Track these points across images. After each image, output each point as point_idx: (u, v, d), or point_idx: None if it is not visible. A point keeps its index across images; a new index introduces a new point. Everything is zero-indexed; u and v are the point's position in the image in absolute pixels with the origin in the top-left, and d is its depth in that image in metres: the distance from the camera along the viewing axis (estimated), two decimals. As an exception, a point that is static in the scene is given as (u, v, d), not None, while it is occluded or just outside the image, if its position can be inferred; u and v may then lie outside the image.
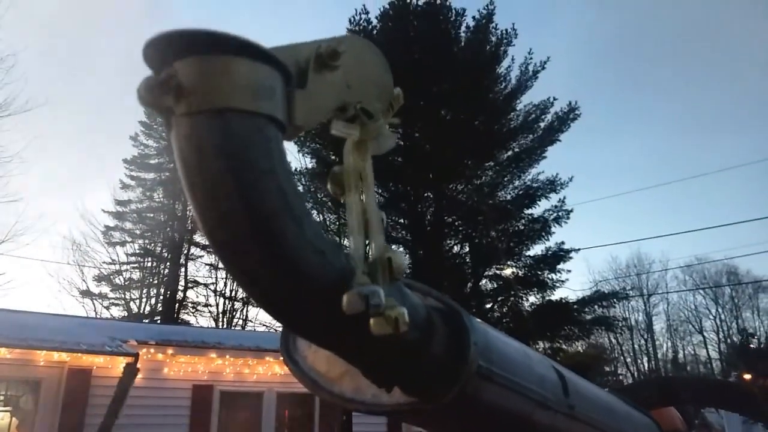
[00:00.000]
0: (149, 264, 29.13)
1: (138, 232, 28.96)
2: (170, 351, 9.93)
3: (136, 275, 28.52)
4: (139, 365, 9.12)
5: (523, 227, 20.29)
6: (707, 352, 43.93)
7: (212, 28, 0.56)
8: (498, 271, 20.15)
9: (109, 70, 47.37)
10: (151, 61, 0.57)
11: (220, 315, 28.80)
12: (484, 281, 20.27)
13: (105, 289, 27.46)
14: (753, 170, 62.44)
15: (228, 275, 28.89)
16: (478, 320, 0.75)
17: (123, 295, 27.90)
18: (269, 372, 10.73)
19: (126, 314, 27.05)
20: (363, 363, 0.67)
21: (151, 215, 29.37)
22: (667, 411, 2.03)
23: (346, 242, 0.68)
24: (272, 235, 0.57)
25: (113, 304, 27.64)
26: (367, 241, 0.66)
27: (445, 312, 0.73)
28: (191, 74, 0.55)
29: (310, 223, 0.61)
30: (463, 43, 20.74)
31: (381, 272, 0.65)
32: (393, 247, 0.66)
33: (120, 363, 9.09)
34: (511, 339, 0.86)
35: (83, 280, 26.81)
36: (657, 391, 2.06)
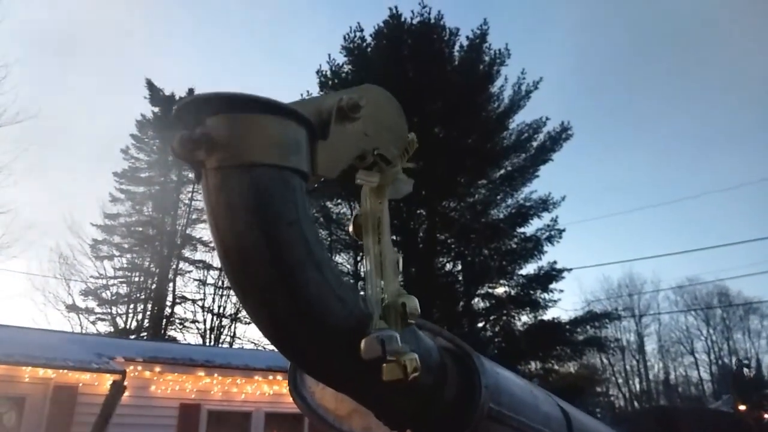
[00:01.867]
0: (137, 279, 28.85)
1: (126, 246, 28.70)
2: (158, 369, 9.82)
3: (124, 290, 28.23)
4: (126, 383, 9.01)
5: (515, 246, 20.34)
6: (698, 373, 44.05)
7: (242, 91, 0.60)
8: (490, 290, 20.14)
9: (101, 83, 47.39)
10: (183, 120, 0.61)
11: (208, 331, 28.53)
12: (476, 300, 20.25)
13: (91, 303, 27.14)
14: (745, 192, 63.25)
15: (216, 292, 28.69)
16: (487, 360, 0.76)
17: (109, 310, 27.56)
18: (258, 391, 10.62)
19: (112, 329, 26.70)
20: (377, 406, 0.68)
21: (140, 229, 29.14)
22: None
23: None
24: (297, 284, 0.59)
25: (99, 319, 27.30)
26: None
27: (456, 353, 0.74)
28: (222, 131, 0.58)
29: (330, 270, 0.63)
30: (456, 62, 20.96)
31: (394, 317, 0.66)
32: None
33: (107, 380, 8.97)
34: (517, 377, 0.87)
35: (69, 294, 26.49)
36: (655, 422, 2.06)
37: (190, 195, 30.28)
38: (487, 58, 20.94)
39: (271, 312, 0.62)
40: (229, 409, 10.44)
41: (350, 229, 0.75)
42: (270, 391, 10.60)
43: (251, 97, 0.59)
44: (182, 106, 0.61)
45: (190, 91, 31.31)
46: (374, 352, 0.60)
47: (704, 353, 44.17)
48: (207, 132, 0.58)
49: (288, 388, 0.83)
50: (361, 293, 0.67)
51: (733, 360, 39.41)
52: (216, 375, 10.28)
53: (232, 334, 28.79)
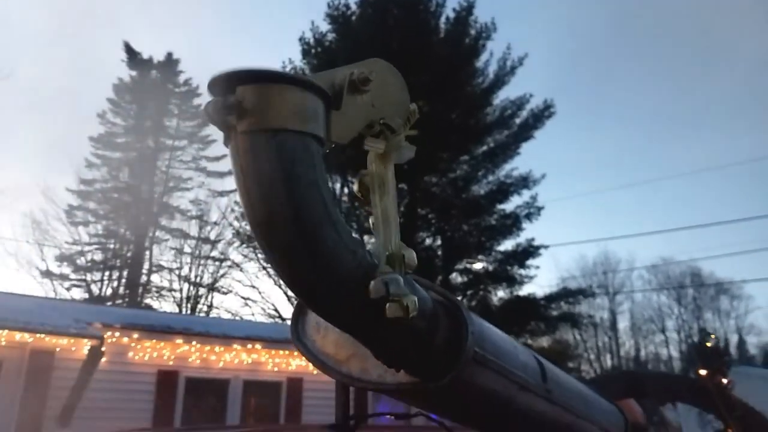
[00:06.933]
0: (112, 246, 28.56)
1: (102, 212, 28.34)
2: (136, 335, 9.83)
3: (99, 257, 27.96)
4: (103, 348, 9.03)
5: (494, 222, 20.60)
6: (668, 351, 45.51)
7: (269, 67, 0.68)
8: (468, 265, 20.45)
9: (79, 44, 45.97)
10: (215, 90, 0.68)
11: (184, 300, 28.50)
12: (454, 275, 20.55)
13: (66, 270, 26.86)
14: (722, 173, 64.29)
15: (193, 261, 28.59)
16: (473, 313, 0.85)
17: (84, 277, 27.32)
18: (236, 359, 10.71)
19: (87, 296, 26.53)
20: (377, 347, 0.77)
21: (116, 196, 28.73)
22: (628, 403, 2.18)
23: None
24: (316, 238, 0.68)
25: (74, 285, 27.07)
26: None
27: (446, 305, 0.83)
28: (252, 99, 0.66)
29: (343, 227, 0.72)
30: (442, 35, 20.82)
31: (396, 266, 0.76)
32: (366, 239, 0.76)
33: (84, 346, 8.97)
34: (499, 331, 0.97)
35: (43, 260, 26.15)
36: (623, 384, 2.22)
37: (167, 162, 29.89)
38: (473, 32, 20.84)
39: (293, 265, 0.71)
40: (207, 376, 10.54)
41: (355, 188, 0.84)
42: (248, 359, 10.71)
43: (277, 72, 0.68)
44: (215, 78, 0.67)
45: (169, 55, 30.65)
46: (380, 292, 0.70)
47: (675, 332, 45.66)
48: (238, 99, 0.66)
49: (291, 336, 0.92)
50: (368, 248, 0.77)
51: (697, 331, 40.75)
52: (194, 343, 10.33)
53: (209, 304, 28.82)
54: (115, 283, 27.87)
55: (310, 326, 0.95)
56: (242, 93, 0.66)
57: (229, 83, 0.67)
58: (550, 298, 20.39)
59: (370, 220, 0.81)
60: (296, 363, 11.22)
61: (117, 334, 9.54)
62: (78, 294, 26.73)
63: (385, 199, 0.81)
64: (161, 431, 9.17)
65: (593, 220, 60.11)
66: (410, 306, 0.71)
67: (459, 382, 0.81)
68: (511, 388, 0.91)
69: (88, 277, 27.35)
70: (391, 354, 0.79)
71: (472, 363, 0.81)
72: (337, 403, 0.94)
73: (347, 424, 0.90)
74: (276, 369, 10.99)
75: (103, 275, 27.66)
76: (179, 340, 10.22)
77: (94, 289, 27.08)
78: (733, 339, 46.57)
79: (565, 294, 21.38)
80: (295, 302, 0.97)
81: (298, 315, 0.96)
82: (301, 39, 20.67)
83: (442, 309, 0.82)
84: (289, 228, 0.67)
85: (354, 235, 0.71)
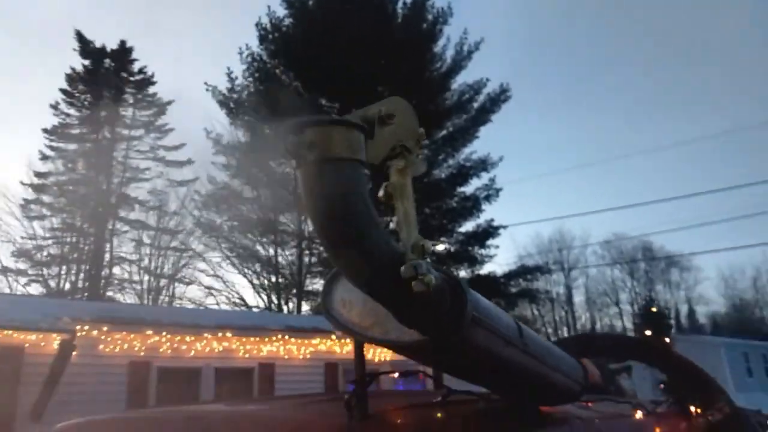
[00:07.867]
0: (70, 239, 27.84)
1: (58, 205, 27.54)
2: (105, 328, 9.80)
3: (56, 251, 27.24)
4: (75, 342, 8.99)
5: (455, 205, 21.04)
6: (623, 322, 47.60)
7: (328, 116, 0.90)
8: (432, 247, 20.87)
9: (28, 34, 43.96)
10: (291, 131, 0.96)
11: (146, 292, 28.13)
12: (418, 257, 20.93)
13: (23, 265, 26.09)
14: (670, 153, 66.92)
15: (153, 252, 28.21)
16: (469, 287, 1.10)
17: (42, 272, 26.61)
18: (207, 348, 10.80)
19: (45, 291, 25.87)
20: (401, 313, 1.03)
21: (73, 188, 27.93)
22: (586, 363, 2.46)
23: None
24: (363, 235, 0.95)
25: (32, 281, 26.35)
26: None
27: (449, 281, 1.07)
28: (318, 136, 0.94)
29: (380, 226, 0.99)
30: (400, 20, 20.90)
31: (418, 254, 1.02)
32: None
33: (54, 340, 8.92)
34: (486, 300, 1.21)
35: (-3, 256, 25.30)
36: (578, 344, 2.53)
37: (124, 153, 29.16)
38: (430, 17, 21.00)
39: (347, 255, 0.97)
40: (178, 365, 10.59)
41: (380, 194, 1.10)
42: (219, 347, 10.82)
43: (335, 117, 0.96)
44: (292, 124, 0.95)
45: (122, 43, 29.75)
46: (410, 273, 0.96)
47: (628, 304, 47.83)
48: (309, 138, 0.93)
49: (323, 312, 1.15)
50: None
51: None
52: (165, 333, 10.36)
53: (170, 295, 28.52)
54: (74, 277, 27.24)
55: (337, 302, 1.20)
56: (310, 132, 0.93)
57: (301, 126, 0.94)
58: (509, 276, 21.05)
59: (394, 219, 1.05)
60: (267, 349, 11.40)
61: (87, 327, 9.49)
62: (36, 289, 26.06)
63: (406, 204, 1.09)
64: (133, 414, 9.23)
65: (549, 199, 61.81)
66: (431, 283, 0.96)
67: (461, 339, 1.08)
68: (499, 343, 1.17)
69: (45, 272, 26.65)
70: (411, 318, 1.04)
71: (471, 324, 1.06)
72: (356, 362, 1.19)
73: (364, 380, 1.15)
74: (247, 355, 11.15)
75: (60, 269, 27.00)
76: (149, 331, 10.23)
77: (52, 283, 26.43)
78: (684, 309, 49.10)
79: (523, 271, 22.09)
80: (321, 288, 1.22)
81: (326, 294, 1.22)
82: (257, 24, 20.45)
83: (446, 284, 1.07)
84: (344, 227, 0.94)
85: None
